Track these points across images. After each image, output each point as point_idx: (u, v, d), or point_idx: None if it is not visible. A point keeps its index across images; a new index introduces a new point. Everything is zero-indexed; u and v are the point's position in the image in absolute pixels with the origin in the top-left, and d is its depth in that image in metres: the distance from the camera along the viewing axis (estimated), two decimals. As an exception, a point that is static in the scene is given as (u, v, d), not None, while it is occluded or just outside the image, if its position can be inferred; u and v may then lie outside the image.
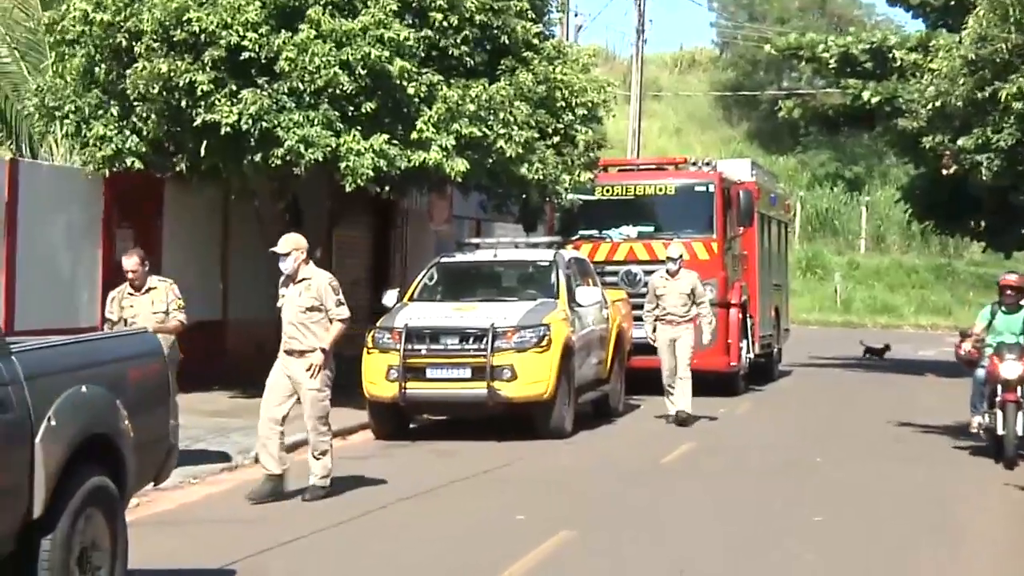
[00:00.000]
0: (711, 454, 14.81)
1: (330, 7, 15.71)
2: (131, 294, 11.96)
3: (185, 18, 15.29)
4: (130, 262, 11.93)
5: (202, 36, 15.34)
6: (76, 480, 6.62)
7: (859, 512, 11.12)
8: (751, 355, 22.40)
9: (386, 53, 15.42)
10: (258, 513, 10.83)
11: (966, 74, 17.38)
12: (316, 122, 15.43)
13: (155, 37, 15.49)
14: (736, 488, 12.39)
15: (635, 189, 21.77)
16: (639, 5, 40.69)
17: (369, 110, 15.61)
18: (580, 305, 16.40)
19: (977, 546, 10.02)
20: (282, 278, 11.51)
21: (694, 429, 16.75)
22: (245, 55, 15.40)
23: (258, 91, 15.41)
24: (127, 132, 16.08)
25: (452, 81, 16.24)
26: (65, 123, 16.45)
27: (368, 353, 15.44)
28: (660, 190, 21.71)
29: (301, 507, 11.15)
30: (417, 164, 15.86)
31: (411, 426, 16.15)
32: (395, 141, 15.80)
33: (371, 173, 15.53)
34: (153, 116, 15.77)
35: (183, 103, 15.49)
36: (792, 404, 20.89)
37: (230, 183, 17.42)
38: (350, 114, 15.67)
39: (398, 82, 15.61)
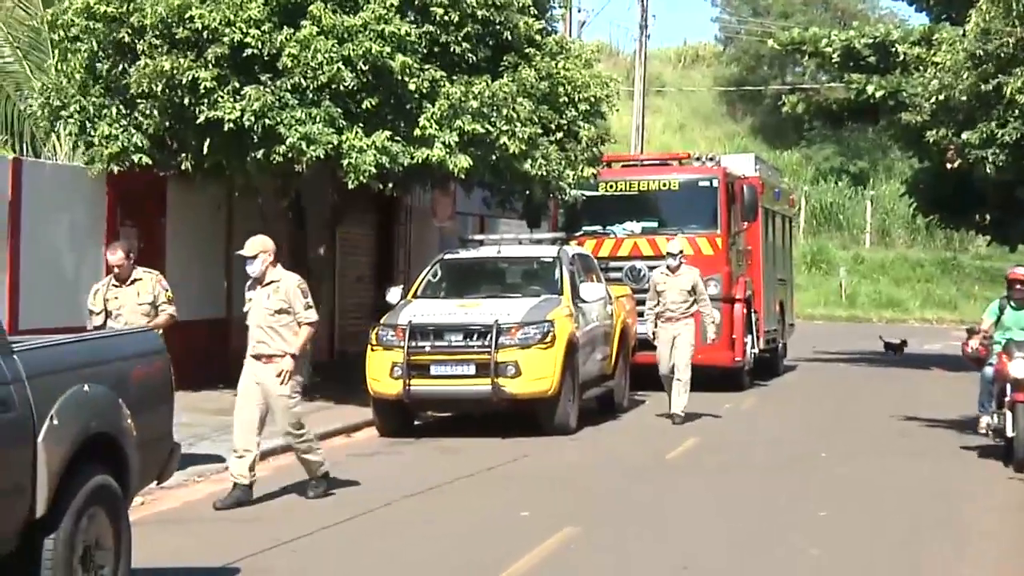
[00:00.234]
0: (716, 450, 14.79)
1: (331, 3, 15.70)
2: (116, 286, 11.84)
3: (188, 15, 15.30)
4: (115, 257, 11.82)
5: (205, 33, 15.34)
6: (79, 479, 6.62)
7: (864, 507, 11.11)
8: (756, 350, 22.38)
9: (388, 49, 15.41)
10: (262, 511, 10.83)
11: (969, 68, 17.36)
12: (318, 119, 15.42)
13: (157, 34, 15.49)
14: (741, 484, 12.39)
15: (639, 185, 21.74)
16: (642, 0, 40.66)
17: (371, 106, 15.60)
18: (584, 301, 16.40)
19: (982, 541, 10.00)
20: (249, 281, 11.31)
21: (699, 425, 16.73)
22: (248, 52, 15.39)
23: (261, 88, 15.40)
24: (132, 130, 16.08)
25: (455, 78, 16.21)
26: (69, 122, 16.45)
27: (372, 350, 15.44)
28: (664, 185, 21.67)
29: (305, 505, 11.15)
30: (420, 161, 15.85)
31: (415, 423, 16.16)
32: (398, 138, 15.79)
33: (373, 170, 15.51)
34: (156, 113, 15.78)
35: (186, 100, 15.48)
36: (797, 399, 20.87)
37: (233, 181, 17.42)
38: (352, 111, 15.67)
39: (400, 78, 15.59)
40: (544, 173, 17.50)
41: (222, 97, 15.35)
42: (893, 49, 24.73)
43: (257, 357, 11.16)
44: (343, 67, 15.31)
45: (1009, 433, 12.82)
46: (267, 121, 15.34)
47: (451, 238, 21.82)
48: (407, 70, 15.55)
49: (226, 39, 15.30)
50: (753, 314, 22.21)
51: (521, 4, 17.17)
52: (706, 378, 21.00)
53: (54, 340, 7.72)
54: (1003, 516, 11.07)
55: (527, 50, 17.42)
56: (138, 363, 7.67)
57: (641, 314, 17.99)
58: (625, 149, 38.27)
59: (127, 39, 15.83)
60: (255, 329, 11.11)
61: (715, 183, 21.25)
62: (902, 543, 9.72)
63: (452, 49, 16.34)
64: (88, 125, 16.31)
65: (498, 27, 16.89)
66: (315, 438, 11.60)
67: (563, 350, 15.27)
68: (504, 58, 17.16)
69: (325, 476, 11.45)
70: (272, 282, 11.13)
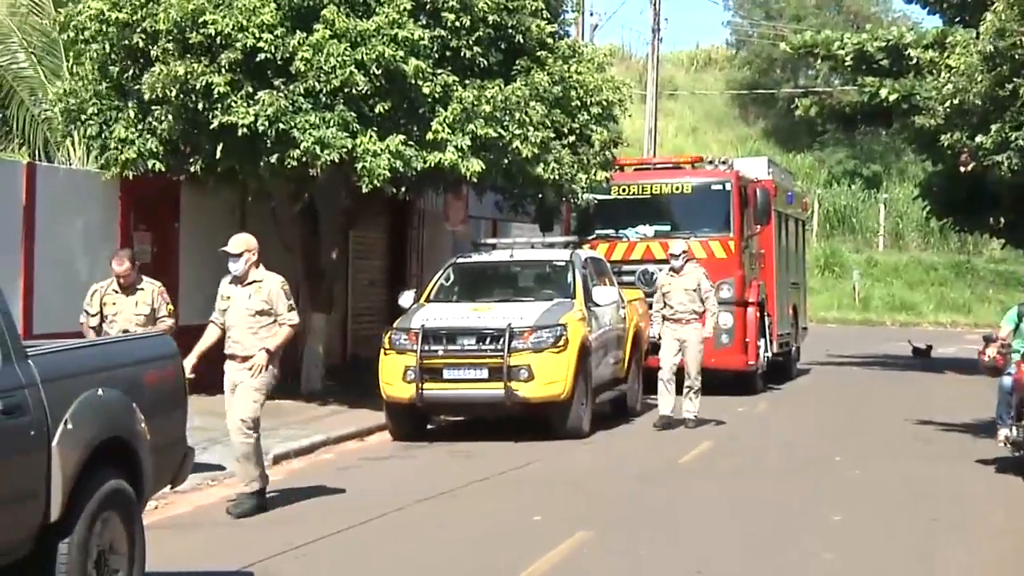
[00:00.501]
0: (729, 454, 14.80)
1: (344, 7, 15.71)
2: (116, 291, 11.75)
3: (201, 20, 15.31)
4: (121, 267, 11.70)
5: (218, 38, 15.36)
6: (93, 483, 6.62)
7: (878, 511, 11.09)
8: (769, 354, 22.38)
9: (401, 53, 15.42)
10: (275, 515, 10.83)
11: (983, 70, 17.31)
12: (332, 123, 15.44)
13: (171, 39, 15.52)
14: (754, 487, 12.38)
15: (651, 188, 21.76)
16: (655, 4, 40.67)
17: (384, 110, 15.61)
18: (597, 305, 16.40)
19: (998, 545, 9.98)
20: (227, 279, 11.06)
21: (712, 429, 16.72)
22: (261, 57, 15.40)
23: (274, 92, 15.42)
24: (146, 135, 16.13)
25: (467, 82, 16.23)
26: (88, 125, 16.49)
27: (385, 354, 15.46)
28: (677, 189, 21.69)
29: (318, 509, 11.14)
30: (433, 164, 15.86)
31: (428, 427, 16.18)
32: (411, 142, 15.81)
33: (387, 174, 15.53)
34: (170, 118, 15.80)
35: (200, 105, 15.50)
36: (811, 403, 20.85)
37: (247, 185, 17.47)
38: (366, 114, 15.69)
39: (413, 82, 15.60)
40: (556, 177, 17.51)
41: (236, 102, 15.36)
42: (906, 52, 24.70)
43: (232, 357, 10.85)
44: (356, 71, 15.32)
45: None
46: (281, 126, 15.35)
47: (464, 242, 21.83)
48: (420, 74, 15.57)
49: (239, 44, 15.31)
50: (766, 318, 22.21)
51: (533, 8, 17.17)
52: (719, 382, 21.02)
53: (68, 344, 7.74)
54: (1018, 519, 11.04)
55: (539, 54, 17.41)
56: (152, 367, 7.65)
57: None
58: (638, 152, 38.25)
59: (140, 44, 15.86)
60: (232, 329, 10.82)
61: (728, 186, 21.25)
62: (916, 547, 9.70)
63: (464, 53, 16.34)
64: (104, 129, 16.37)
65: (510, 31, 16.90)
66: (262, 452, 11.06)
67: (576, 354, 15.28)
68: (517, 62, 17.15)
69: (257, 494, 10.85)
70: (254, 282, 10.91)
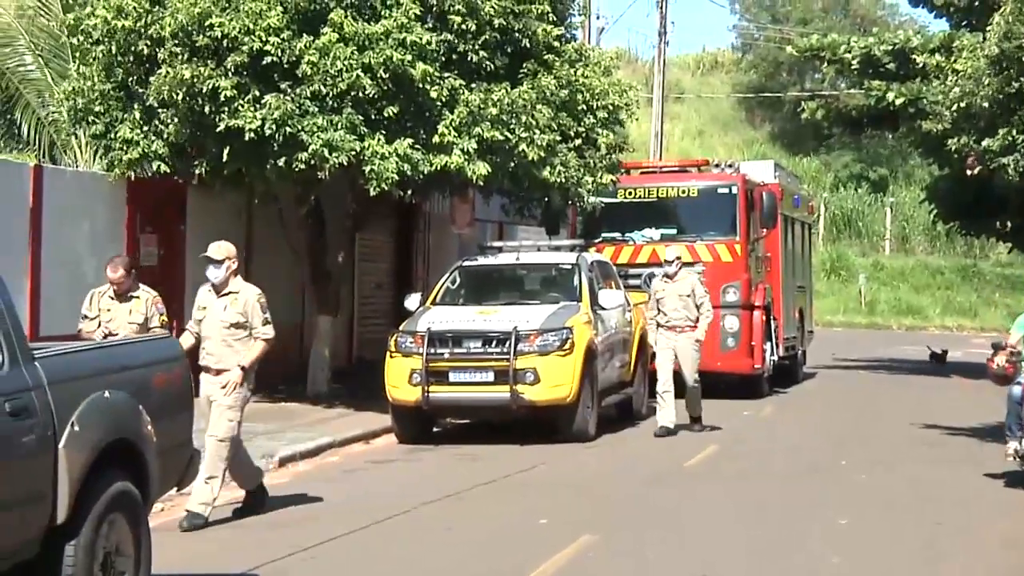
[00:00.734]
0: (735, 457, 14.81)
1: (351, 11, 15.73)
2: (111, 298, 11.54)
3: (207, 23, 15.33)
4: (115, 274, 11.44)
5: (224, 42, 15.38)
6: (99, 485, 6.63)
7: (884, 515, 11.09)
8: (775, 357, 22.41)
9: (408, 57, 15.43)
10: (281, 518, 10.86)
11: (991, 74, 17.31)
12: (340, 126, 15.46)
13: (177, 43, 15.54)
14: (760, 491, 12.38)
15: (658, 191, 21.77)
16: (661, 7, 40.70)
17: (392, 114, 15.64)
18: (603, 308, 16.42)
19: (1004, 550, 9.97)
20: (206, 287, 10.86)
21: (718, 432, 16.71)
22: (267, 60, 15.42)
23: (281, 96, 15.44)
24: (152, 136, 16.15)
25: (474, 85, 16.25)
26: (94, 125, 16.52)
27: (391, 357, 15.49)
28: (683, 192, 21.70)
29: (324, 512, 11.16)
30: (439, 167, 15.88)
31: (434, 430, 16.20)
32: (417, 145, 15.83)
33: (395, 177, 15.54)
34: (176, 121, 15.82)
35: (206, 109, 15.51)
36: (817, 406, 20.86)
37: (253, 188, 17.49)
38: (373, 118, 15.70)
39: (420, 86, 15.62)
40: (563, 180, 17.54)
41: (242, 106, 15.38)
42: (913, 56, 24.71)
43: (206, 369, 10.57)
44: (363, 75, 15.33)
45: None
46: (288, 129, 15.38)
47: (470, 245, 21.87)
48: (427, 78, 15.58)
49: (246, 47, 15.32)
50: (772, 321, 22.24)
51: (539, 12, 17.19)
52: (725, 385, 21.05)
53: (75, 347, 7.76)
54: (1017, 484, 11.16)
55: (546, 57, 17.44)
56: (158, 370, 7.66)
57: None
58: (644, 156, 38.29)
59: (146, 51, 15.87)
60: (207, 341, 10.55)
61: (734, 190, 21.28)
62: (922, 551, 9.70)
63: (470, 57, 16.37)
64: (110, 129, 16.40)
65: (516, 35, 16.92)
66: (224, 476, 10.69)
67: (582, 357, 15.29)
68: (523, 65, 17.18)
69: (205, 516, 10.44)
70: (231, 293, 10.65)
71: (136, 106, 16.25)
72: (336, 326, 19.50)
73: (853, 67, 26.97)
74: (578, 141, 18.07)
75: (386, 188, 15.71)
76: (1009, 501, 11.97)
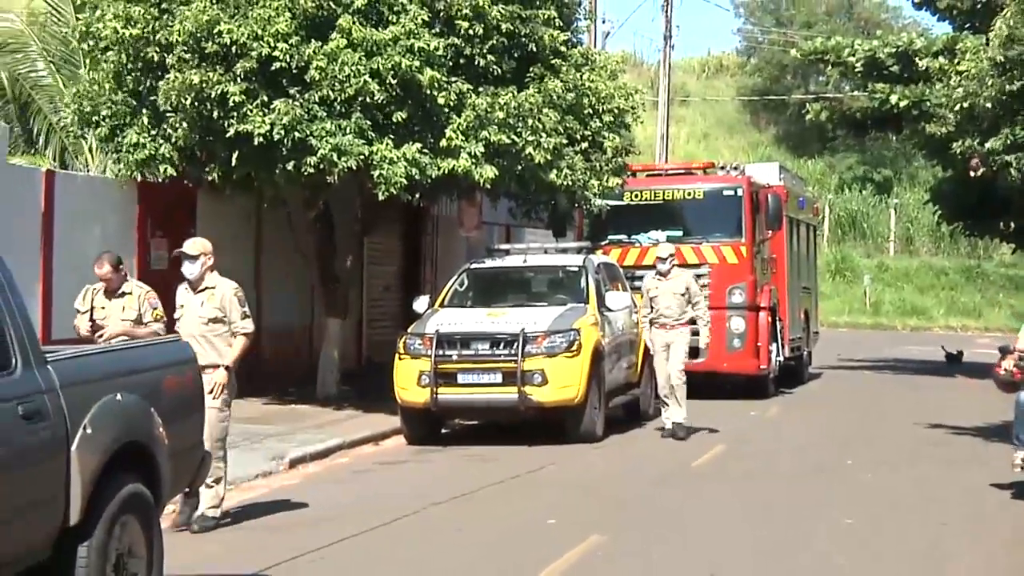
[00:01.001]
0: (741, 457, 14.86)
1: (359, 17, 15.79)
2: (104, 296, 11.20)
3: (216, 30, 15.40)
4: (100, 271, 11.13)
5: (233, 48, 15.44)
6: (112, 487, 6.65)
7: (890, 515, 11.13)
8: (781, 358, 22.47)
9: (416, 63, 15.50)
10: (291, 519, 10.94)
11: (994, 75, 17.36)
12: (348, 131, 15.53)
13: (186, 49, 15.61)
14: (766, 491, 12.43)
15: (664, 194, 21.84)
16: (666, 11, 40.75)
17: (400, 119, 15.71)
18: (610, 310, 16.49)
19: (1009, 549, 10.01)
20: (182, 287, 10.83)
21: (724, 432, 16.75)
22: (276, 66, 15.49)
23: (290, 101, 15.51)
24: (160, 140, 16.22)
25: (481, 89, 16.31)
26: (100, 128, 16.59)
27: (400, 359, 15.57)
28: (689, 195, 21.77)
29: (333, 513, 11.22)
30: (447, 171, 15.94)
31: (443, 431, 16.29)
32: (425, 150, 15.90)
33: (404, 181, 15.60)
34: (185, 126, 15.90)
35: (215, 114, 15.59)
36: (822, 407, 20.89)
37: (262, 192, 17.58)
38: (381, 123, 15.78)
39: (428, 91, 15.68)
40: (569, 183, 17.61)
41: (251, 111, 15.46)
42: (916, 59, 24.76)
43: None
44: (371, 80, 15.40)
45: None
46: (297, 134, 15.45)
47: (477, 248, 21.95)
48: (435, 84, 15.64)
49: (254, 53, 15.39)
50: (778, 322, 22.30)
51: (546, 17, 17.26)
52: (731, 385, 21.13)
53: (87, 350, 7.76)
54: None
55: (553, 62, 17.49)
56: (169, 373, 7.69)
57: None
58: (650, 159, 38.35)
59: (155, 56, 15.95)
60: (187, 338, 10.05)
61: (740, 192, 21.35)
62: (927, 551, 9.75)
63: (478, 61, 16.43)
64: (117, 132, 16.47)
65: (523, 39, 16.98)
66: (226, 473, 10.76)
67: (589, 358, 15.37)
68: (530, 70, 17.25)
69: (216, 517, 10.53)
70: (207, 288, 10.62)
71: (144, 110, 16.32)
72: (345, 329, 19.57)
73: (857, 70, 27.02)
74: (584, 144, 18.13)
75: (394, 192, 15.77)
76: (1015, 501, 11.96)
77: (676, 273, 16.31)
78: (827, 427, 18.05)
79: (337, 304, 18.87)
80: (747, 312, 21.10)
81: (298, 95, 15.64)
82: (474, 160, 15.96)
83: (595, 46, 29.92)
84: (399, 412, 15.77)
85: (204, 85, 15.39)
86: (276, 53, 15.43)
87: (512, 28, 16.65)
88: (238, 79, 15.47)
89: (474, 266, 17.68)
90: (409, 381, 15.33)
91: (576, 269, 17.04)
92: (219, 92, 15.40)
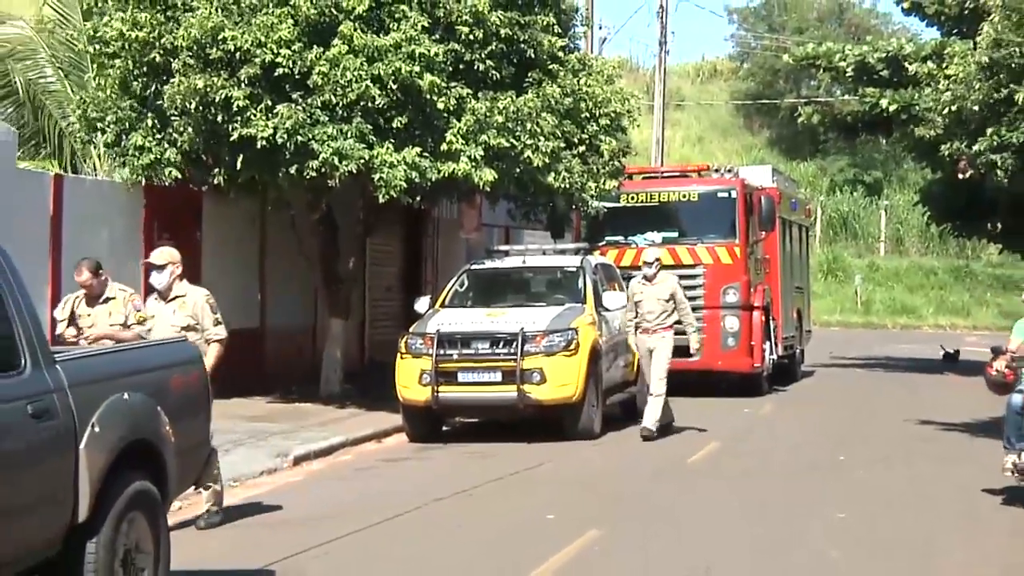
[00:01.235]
0: (736, 454, 14.99)
1: (360, 24, 15.92)
2: (87, 303, 10.94)
3: (220, 37, 15.54)
4: (80, 278, 10.86)
5: (237, 54, 15.59)
6: (119, 484, 6.72)
7: (883, 510, 11.25)
8: (774, 356, 22.66)
9: (416, 68, 15.63)
10: (295, 515, 11.03)
11: (981, 79, 17.54)
12: (349, 135, 15.66)
13: (191, 54, 15.74)
14: (761, 487, 12.55)
15: (659, 196, 22.01)
16: (662, 18, 41.00)
17: (400, 123, 15.85)
18: (607, 309, 16.64)
19: (1002, 542, 10.14)
20: (152, 297, 10.74)
21: (719, 430, 16.86)
22: (279, 71, 15.63)
23: (293, 106, 15.64)
24: (165, 144, 16.35)
25: (480, 94, 16.46)
26: (105, 133, 16.72)
27: (401, 358, 15.72)
28: (684, 197, 21.96)
29: (337, 509, 11.33)
30: (447, 175, 16.08)
31: (444, 429, 16.41)
32: (425, 153, 16.04)
33: (404, 184, 15.73)
34: (190, 130, 16.03)
35: (219, 118, 15.72)
36: (815, 404, 21.01)
37: (266, 195, 17.72)
38: (382, 127, 15.92)
39: (428, 96, 15.82)
40: (567, 185, 17.75)
41: (255, 115, 15.60)
42: (905, 64, 24.96)
43: None
44: (372, 85, 15.54)
45: None
46: (299, 138, 15.59)
47: (477, 249, 22.07)
48: (435, 89, 15.79)
49: (258, 59, 15.54)
50: (771, 321, 22.50)
51: (544, 23, 17.41)
52: (726, 384, 21.31)
53: (95, 350, 7.97)
54: (1015, 501, 11.12)
55: (551, 67, 17.63)
56: (176, 372, 7.78)
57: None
58: (646, 162, 38.55)
59: (159, 60, 16.10)
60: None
61: (734, 194, 21.54)
62: (922, 545, 9.86)
63: (477, 67, 16.55)
64: (123, 137, 16.59)
65: (522, 45, 17.12)
66: (220, 471, 10.68)
67: (587, 357, 15.54)
68: (528, 75, 17.39)
69: (219, 513, 10.55)
70: (177, 297, 10.57)
71: (150, 115, 16.43)
72: (348, 329, 19.70)
73: (848, 75, 27.18)
74: (582, 148, 18.25)
75: (395, 195, 15.88)
76: (1008, 493, 11.92)
77: (662, 278, 16.17)
78: (820, 424, 18.16)
79: (340, 305, 19.00)
80: (741, 311, 21.29)
81: (301, 100, 15.77)
82: (474, 163, 16.10)
83: (592, 52, 30.12)
84: (401, 410, 15.91)
85: (209, 90, 15.52)
86: (279, 59, 15.58)
87: (511, 34, 16.79)
88: (242, 84, 15.60)
89: (474, 267, 17.84)
90: (411, 380, 15.49)
91: (574, 270, 17.21)
92: (223, 97, 15.54)
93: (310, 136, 15.65)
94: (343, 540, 9.91)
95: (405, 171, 15.70)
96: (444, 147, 16.09)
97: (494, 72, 16.71)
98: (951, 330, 44.39)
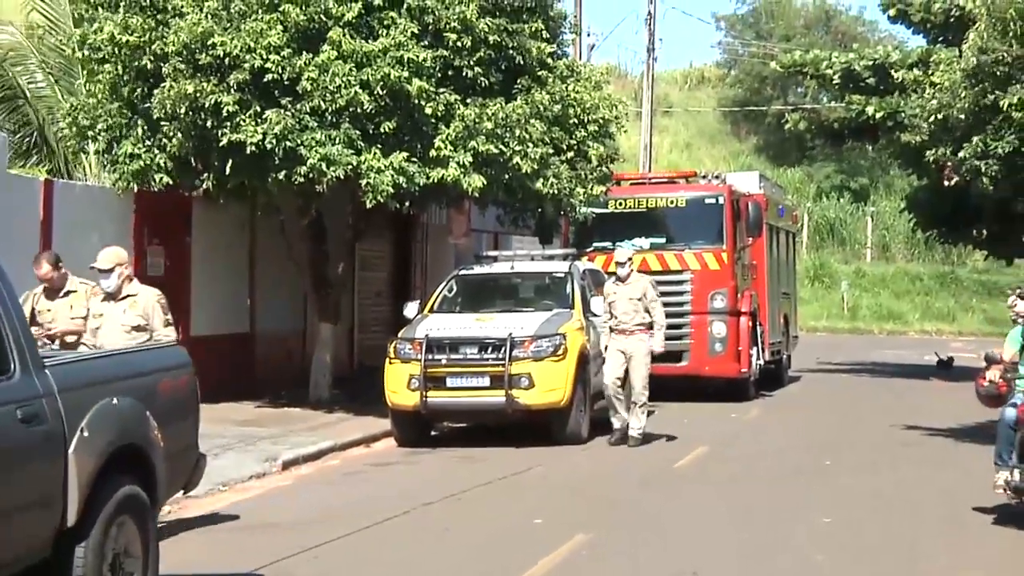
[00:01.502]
0: (723, 459, 15.04)
1: (350, 29, 15.99)
2: (47, 298, 11.01)
3: (210, 43, 15.60)
4: (39, 271, 10.83)
5: (226, 60, 15.64)
6: (108, 489, 6.74)
7: (868, 515, 11.31)
8: (761, 362, 22.72)
9: (405, 74, 15.70)
10: (284, 519, 11.07)
11: (967, 86, 17.63)
12: (337, 141, 15.71)
13: (181, 59, 15.79)
14: (748, 492, 12.62)
15: (647, 202, 22.09)
16: (650, 25, 41.15)
17: (389, 129, 15.91)
18: (595, 315, 16.62)
19: (987, 545, 10.20)
20: (97, 298, 10.60)
21: (706, 435, 16.91)
22: (268, 77, 15.69)
23: (282, 111, 15.70)
24: (155, 150, 16.39)
25: (469, 100, 16.51)
26: (97, 141, 16.77)
27: (390, 363, 15.77)
28: (671, 203, 22.04)
29: (326, 513, 11.38)
30: (436, 180, 16.15)
31: (432, 433, 16.48)
32: (414, 158, 16.09)
33: (391, 190, 15.79)
34: (179, 135, 16.06)
35: (209, 123, 15.78)
36: (802, 409, 21.06)
37: (256, 200, 17.77)
38: (370, 132, 15.98)
39: (417, 102, 15.88)
40: (555, 191, 17.79)
41: (244, 121, 15.65)
42: (891, 71, 25.08)
43: None
44: (360, 91, 15.60)
45: None
46: (288, 143, 15.64)
47: (466, 254, 22.12)
48: (424, 94, 15.86)
49: (247, 65, 15.59)
50: (758, 327, 22.57)
51: (533, 30, 17.48)
52: (713, 389, 21.36)
53: (84, 355, 7.98)
54: (1008, 521, 11.10)
55: (539, 73, 17.70)
56: (165, 376, 7.81)
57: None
58: (634, 168, 38.68)
59: (149, 66, 16.16)
60: (109, 347, 9.88)
61: (721, 200, 21.62)
62: (905, 549, 9.92)
63: (466, 73, 16.62)
64: (114, 144, 16.63)
65: (510, 52, 17.19)
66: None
67: (575, 362, 15.61)
68: (517, 81, 17.47)
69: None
70: (128, 296, 10.40)
71: (139, 121, 16.48)
72: (337, 334, 19.75)
73: (834, 82, 27.28)
74: (570, 154, 18.32)
75: (382, 200, 15.94)
76: (993, 497, 11.71)
77: (635, 278, 15.98)
78: (806, 429, 18.22)
79: (329, 310, 19.03)
80: (728, 317, 21.35)
81: (290, 105, 15.83)
82: (462, 169, 16.16)
83: (580, 58, 30.23)
84: (390, 415, 15.95)
85: (198, 95, 15.58)
86: (268, 65, 15.64)
87: (499, 41, 16.86)
88: (231, 90, 15.66)
89: (463, 272, 17.88)
90: (399, 385, 15.54)
91: (562, 275, 17.27)
92: (213, 102, 15.60)
93: (299, 142, 15.71)
94: (332, 544, 9.95)
95: (392, 176, 15.76)
96: (433, 153, 16.15)
97: (483, 78, 16.79)
98: (937, 336, 44.50)
